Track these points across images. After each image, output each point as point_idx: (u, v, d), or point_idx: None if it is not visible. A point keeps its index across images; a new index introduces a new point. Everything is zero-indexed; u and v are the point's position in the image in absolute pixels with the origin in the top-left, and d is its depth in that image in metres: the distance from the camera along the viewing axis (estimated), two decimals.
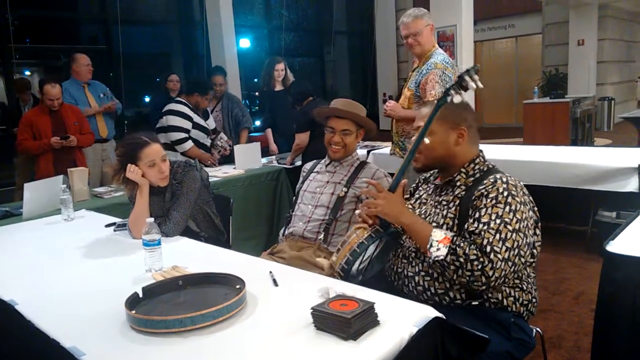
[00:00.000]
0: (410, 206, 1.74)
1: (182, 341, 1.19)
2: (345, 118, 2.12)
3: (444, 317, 1.21)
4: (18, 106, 4.98)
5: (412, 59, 3.04)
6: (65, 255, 1.97)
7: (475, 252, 1.36)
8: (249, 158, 3.73)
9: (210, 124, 3.99)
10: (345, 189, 2.09)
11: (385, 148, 4.25)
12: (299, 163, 3.74)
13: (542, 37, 11.09)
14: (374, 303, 1.20)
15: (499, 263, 1.35)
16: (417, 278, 1.54)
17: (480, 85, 1.46)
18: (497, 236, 1.37)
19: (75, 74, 4.21)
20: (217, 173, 3.57)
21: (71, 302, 1.50)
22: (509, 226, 1.38)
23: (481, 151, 1.62)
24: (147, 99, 7.48)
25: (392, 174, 3.09)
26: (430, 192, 1.69)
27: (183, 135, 3.65)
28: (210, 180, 3.19)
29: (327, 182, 2.15)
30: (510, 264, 1.37)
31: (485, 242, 1.37)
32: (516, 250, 1.38)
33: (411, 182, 1.83)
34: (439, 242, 1.42)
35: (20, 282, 1.69)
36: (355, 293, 1.37)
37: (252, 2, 9.11)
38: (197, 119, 3.77)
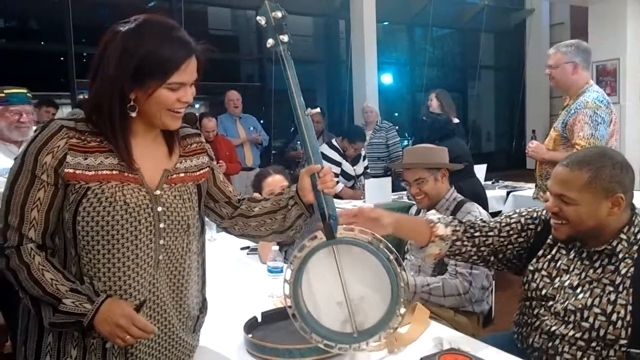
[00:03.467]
0: (532, 267, 1.44)
1: None
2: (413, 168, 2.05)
3: None
4: None
5: (565, 96, 2.82)
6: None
7: None
8: (379, 192, 3.75)
9: (358, 169, 4.13)
10: None
11: (528, 190, 3.94)
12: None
13: None
14: None
15: None
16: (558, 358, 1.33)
17: None
18: None
19: (227, 107, 4.72)
20: (347, 206, 3.64)
21: None
22: None
23: (633, 206, 1.35)
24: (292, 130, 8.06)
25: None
26: (572, 258, 1.37)
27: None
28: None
29: None
30: None
31: None
32: None
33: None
34: None
35: None
36: (472, 349, 1.29)
37: (397, 40, 9.30)
38: (345, 165, 3.98)
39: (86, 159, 1.04)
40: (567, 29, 8.68)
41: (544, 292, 1.38)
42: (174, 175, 1.15)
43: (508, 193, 4.08)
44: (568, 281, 1.35)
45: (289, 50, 1.18)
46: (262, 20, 1.18)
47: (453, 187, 2.10)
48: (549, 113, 9.98)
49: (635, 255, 1.26)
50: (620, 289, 1.25)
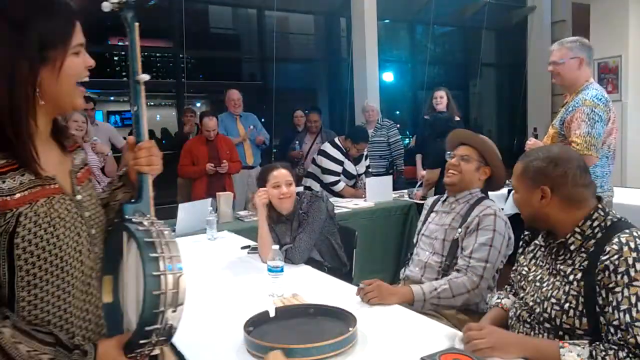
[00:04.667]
0: (521, 261, 1.54)
1: None
2: (468, 145, 2.02)
3: None
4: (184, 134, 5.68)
5: (565, 93, 2.81)
6: (203, 271, 2.18)
7: (626, 357, 1.15)
8: (380, 191, 3.75)
9: (360, 169, 4.12)
10: (460, 230, 1.93)
11: None
12: (431, 199, 3.66)
13: None
14: None
15: None
16: None
17: None
18: None
19: (228, 106, 4.72)
20: (348, 204, 3.64)
21: (199, 314, 1.64)
22: None
23: (600, 200, 1.37)
24: None
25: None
26: (545, 253, 1.44)
27: (336, 178, 3.92)
28: (339, 211, 3.25)
29: (441, 225, 2.02)
30: None
31: (638, 339, 1.14)
32: None
33: None
34: None
35: None
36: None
37: (398, 37, 9.28)
38: (347, 164, 3.97)
39: (4, 182, 0.88)
40: (569, 27, 8.66)
41: (521, 283, 1.48)
42: (78, 174, 1.03)
43: (509, 191, 4.07)
44: (540, 275, 1.43)
45: (134, 16, 1.03)
46: None
47: (479, 190, 2.06)
48: (550, 111, 9.95)
49: (592, 249, 1.29)
50: (571, 279, 1.30)
